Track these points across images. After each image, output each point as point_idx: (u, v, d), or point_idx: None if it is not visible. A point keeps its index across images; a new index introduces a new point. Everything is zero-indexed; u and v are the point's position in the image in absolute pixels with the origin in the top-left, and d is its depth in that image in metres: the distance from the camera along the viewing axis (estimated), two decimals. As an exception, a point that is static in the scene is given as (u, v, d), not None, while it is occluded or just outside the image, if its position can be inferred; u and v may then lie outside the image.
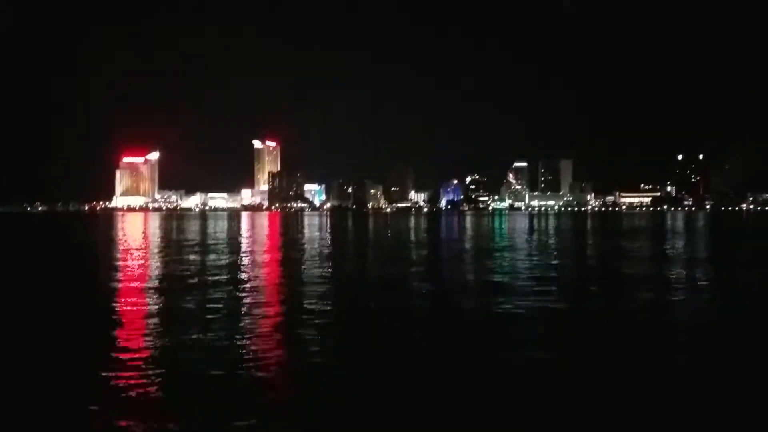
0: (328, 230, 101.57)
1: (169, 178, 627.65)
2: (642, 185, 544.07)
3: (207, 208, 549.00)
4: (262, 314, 20.78)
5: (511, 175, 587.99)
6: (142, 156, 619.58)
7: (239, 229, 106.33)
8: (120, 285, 29.17)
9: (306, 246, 57.95)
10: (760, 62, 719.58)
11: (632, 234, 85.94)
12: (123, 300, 24.39)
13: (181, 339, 17.01)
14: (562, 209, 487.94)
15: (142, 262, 41.38)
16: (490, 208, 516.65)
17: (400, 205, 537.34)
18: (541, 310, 21.48)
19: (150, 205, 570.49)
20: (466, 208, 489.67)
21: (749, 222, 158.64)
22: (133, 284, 29.42)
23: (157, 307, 22.72)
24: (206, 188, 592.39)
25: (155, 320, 19.89)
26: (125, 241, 68.35)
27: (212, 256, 44.99)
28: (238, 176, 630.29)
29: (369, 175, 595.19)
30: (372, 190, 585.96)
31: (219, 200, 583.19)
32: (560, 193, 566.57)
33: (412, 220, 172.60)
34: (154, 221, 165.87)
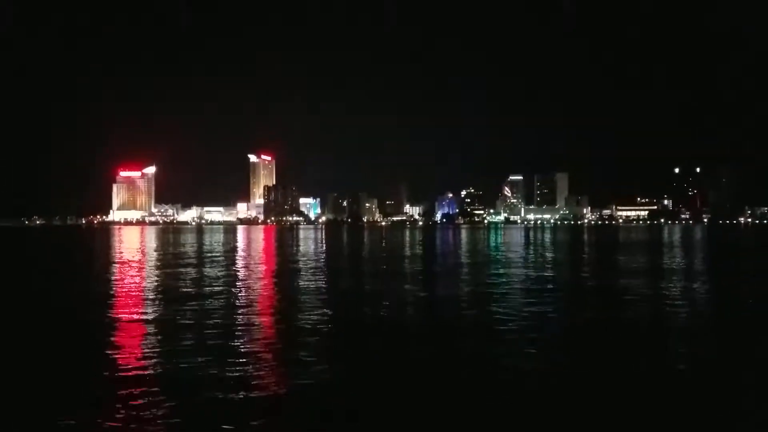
0: (322, 244, 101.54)
1: (166, 192, 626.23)
2: (638, 199, 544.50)
3: (203, 221, 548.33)
4: (258, 330, 20.89)
5: (506, 189, 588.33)
6: (138, 170, 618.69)
7: (235, 242, 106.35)
8: (117, 294, 29.27)
9: (301, 260, 58.03)
10: (759, 77, 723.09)
11: (635, 247, 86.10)
12: (124, 310, 24.49)
13: (176, 347, 17.16)
14: (558, 223, 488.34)
15: (140, 275, 41.42)
16: (486, 221, 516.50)
17: (395, 218, 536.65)
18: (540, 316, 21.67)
19: (147, 219, 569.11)
20: (462, 222, 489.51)
21: (747, 235, 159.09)
22: (132, 293, 29.53)
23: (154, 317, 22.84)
24: (202, 202, 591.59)
25: (150, 328, 20.04)
26: (123, 254, 68.33)
27: (208, 269, 45.06)
28: (234, 190, 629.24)
29: (364, 188, 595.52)
30: (367, 204, 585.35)
31: (215, 214, 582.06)
32: (556, 207, 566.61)
33: (408, 234, 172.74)
34: (151, 235, 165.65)
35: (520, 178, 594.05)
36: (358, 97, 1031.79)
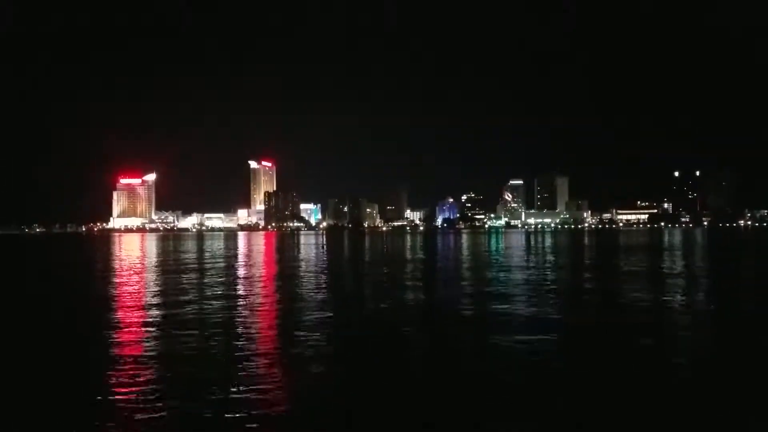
0: (323, 249, 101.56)
1: (166, 199, 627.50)
2: (639, 202, 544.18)
3: (204, 228, 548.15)
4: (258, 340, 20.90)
5: (506, 193, 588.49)
6: (139, 177, 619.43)
7: (236, 248, 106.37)
8: (119, 297, 29.32)
9: (305, 270, 58.06)
10: (759, 81, 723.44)
11: (636, 251, 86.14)
12: (127, 312, 24.53)
13: (176, 348, 17.18)
14: (559, 227, 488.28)
15: (140, 283, 41.47)
16: (487, 225, 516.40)
17: (396, 223, 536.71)
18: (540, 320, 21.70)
19: (147, 226, 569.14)
20: (463, 226, 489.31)
21: (749, 237, 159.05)
22: (133, 294, 29.57)
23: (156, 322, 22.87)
24: (203, 209, 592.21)
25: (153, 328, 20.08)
26: (124, 260, 68.39)
27: (209, 274, 45.12)
28: (235, 196, 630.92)
29: (364, 193, 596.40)
30: (368, 209, 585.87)
31: (216, 220, 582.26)
32: (557, 211, 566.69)
33: (409, 239, 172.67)
34: (152, 242, 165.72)
35: (521, 182, 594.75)
36: (358, 101, 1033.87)
